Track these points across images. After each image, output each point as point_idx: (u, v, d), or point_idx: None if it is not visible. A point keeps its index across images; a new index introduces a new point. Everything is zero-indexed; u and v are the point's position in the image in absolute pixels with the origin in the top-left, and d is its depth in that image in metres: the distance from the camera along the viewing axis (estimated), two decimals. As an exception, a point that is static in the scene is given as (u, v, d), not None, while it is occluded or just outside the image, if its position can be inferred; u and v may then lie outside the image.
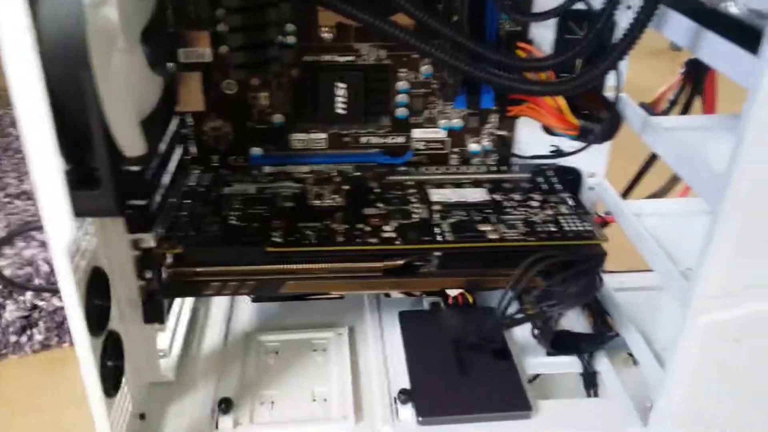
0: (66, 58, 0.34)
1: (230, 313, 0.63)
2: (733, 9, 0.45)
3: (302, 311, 0.64)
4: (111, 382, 0.44)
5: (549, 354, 0.58)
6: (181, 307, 0.62)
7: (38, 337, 0.96)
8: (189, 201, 0.56)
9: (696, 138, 0.52)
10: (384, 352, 0.58)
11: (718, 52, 0.44)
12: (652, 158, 0.68)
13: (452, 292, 0.64)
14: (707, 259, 0.44)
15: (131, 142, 0.40)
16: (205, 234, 0.52)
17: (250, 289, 0.52)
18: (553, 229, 0.55)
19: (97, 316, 0.42)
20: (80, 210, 0.39)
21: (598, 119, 0.58)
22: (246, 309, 0.64)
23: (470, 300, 0.63)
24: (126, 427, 0.47)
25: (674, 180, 0.67)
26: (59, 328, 0.97)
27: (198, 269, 0.51)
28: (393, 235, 0.53)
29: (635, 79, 0.68)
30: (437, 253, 0.53)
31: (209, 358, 0.57)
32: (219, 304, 0.64)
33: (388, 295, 0.66)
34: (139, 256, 0.48)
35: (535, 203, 0.58)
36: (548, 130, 0.62)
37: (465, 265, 0.54)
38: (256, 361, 0.57)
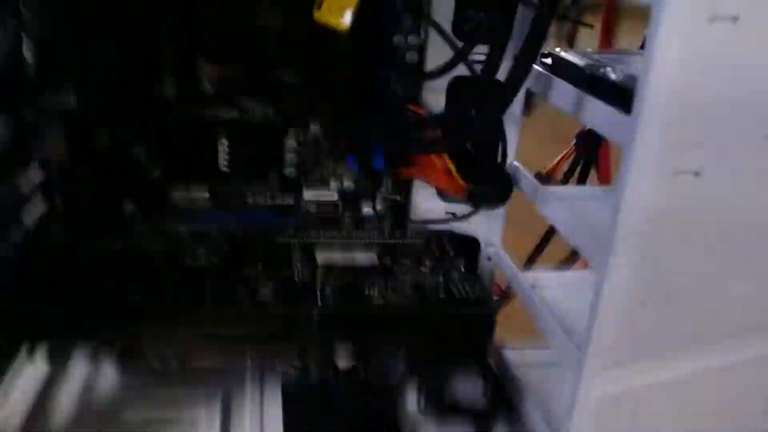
0: None
1: (90, 382, 0.56)
2: (611, 75, 0.46)
3: (172, 382, 0.57)
4: None
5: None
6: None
7: None
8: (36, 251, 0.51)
9: (586, 206, 0.51)
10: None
11: (597, 114, 0.44)
12: (551, 231, 0.67)
13: (342, 362, 0.59)
14: (596, 326, 0.42)
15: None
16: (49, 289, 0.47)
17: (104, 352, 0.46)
18: (442, 295, 0.52)
19: None
20: None
21: (488, 184, 0.57)
22: (109, 378, 0.57)
23: (362, 373, 0.59)
24: None
25: (575, 253, 0.67)
26: None
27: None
28: (270, 298, 0.49)
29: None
30: (317, 318, 0.49)
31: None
32: (77, 372, 0.57)
33: (272, 365, 0.61)
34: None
35: (426, 269, 0.56)
36: (442, 196, 0.61)
37: (348, 331, 0.50)
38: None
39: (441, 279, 0.54)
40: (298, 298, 0.50)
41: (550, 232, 0.66)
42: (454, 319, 0.50)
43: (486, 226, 0.62)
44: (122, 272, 0.50)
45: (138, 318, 0.46)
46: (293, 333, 0.49)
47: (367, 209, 0.61)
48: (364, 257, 0.56)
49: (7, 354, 0.47)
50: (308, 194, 0.60)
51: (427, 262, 0.57)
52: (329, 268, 0.54)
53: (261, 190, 0.59)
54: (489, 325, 0.51)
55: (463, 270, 0.56)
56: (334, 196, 0.60)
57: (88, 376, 0.57)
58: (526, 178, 0.57)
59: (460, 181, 0.55)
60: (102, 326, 0.46)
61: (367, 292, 0.51)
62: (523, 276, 0.59)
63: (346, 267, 0.54)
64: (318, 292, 0.50)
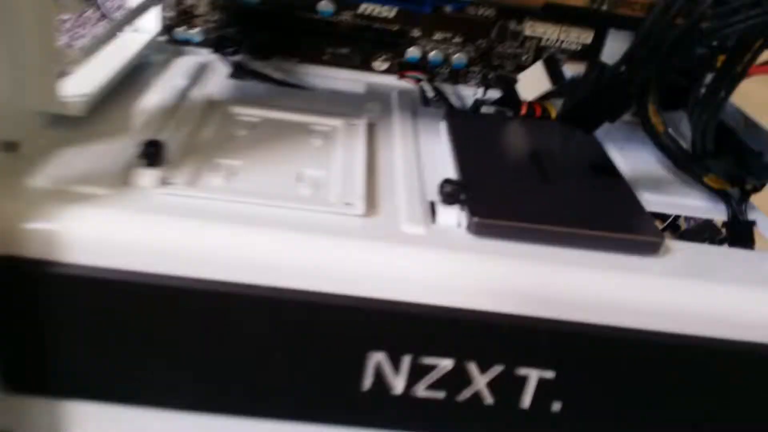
0: None
1: (199, 75, 0.43)
2: None
3: (304, 98, 0.43)
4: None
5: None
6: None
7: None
8: None
9: None
10: (417, 149, 0.38)
11: None
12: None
13: (527, 94, 0.43)
14: None
15: None
16: None
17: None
18: None
19: None
20: None
21: None
22: (221, 83, 0.43)
23: (551, 114, 0.43)
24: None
25: None
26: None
27: None
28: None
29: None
30: None
31: (149, 109, 0.37)
32: (185, 64, 0.44)
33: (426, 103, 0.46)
34: None
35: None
36: None
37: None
38: (219, 129, 0.36)
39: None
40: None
41: None
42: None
43: None
44: None
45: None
46: None
47: None
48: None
49: None
50: None
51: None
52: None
53: None
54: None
55: None
56: None
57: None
58: None
59: None
60: None
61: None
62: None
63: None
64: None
